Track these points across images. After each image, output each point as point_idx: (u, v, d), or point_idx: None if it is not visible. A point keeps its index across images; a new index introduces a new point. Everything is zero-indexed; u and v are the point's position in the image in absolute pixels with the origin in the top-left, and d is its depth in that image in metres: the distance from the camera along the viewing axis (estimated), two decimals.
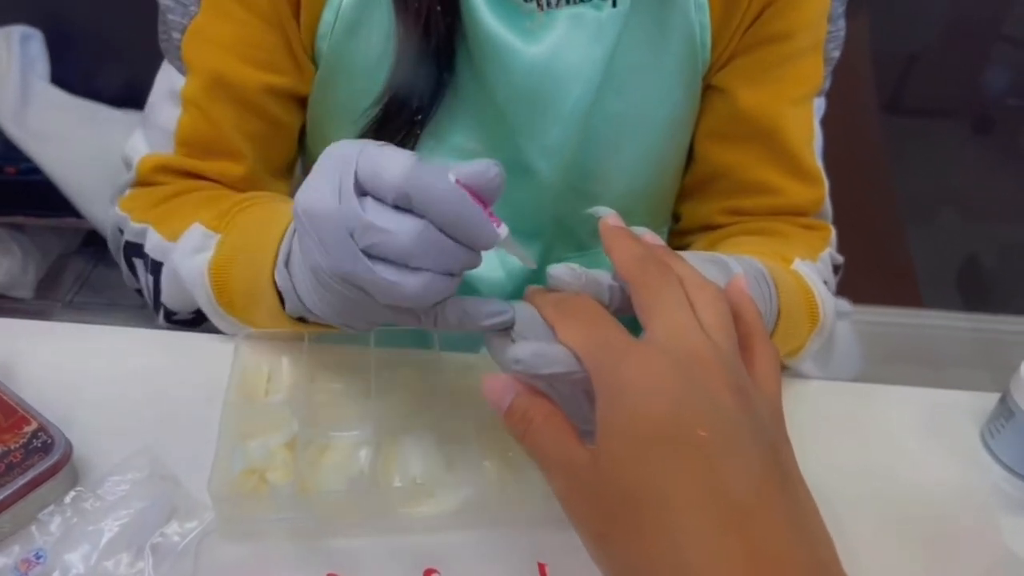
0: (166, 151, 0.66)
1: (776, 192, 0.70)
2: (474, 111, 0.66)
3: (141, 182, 0.68)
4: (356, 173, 0.39)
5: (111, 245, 0.71)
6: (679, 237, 0.79)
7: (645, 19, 0.64)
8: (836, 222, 0.74)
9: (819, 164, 0.71)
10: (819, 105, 0.71)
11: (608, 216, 0.45)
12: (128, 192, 0.68)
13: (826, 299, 0.63)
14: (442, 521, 0.51)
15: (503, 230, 0.40)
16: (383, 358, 0.58)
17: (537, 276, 0.46)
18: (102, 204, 0.77)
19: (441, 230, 0.39)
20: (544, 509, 0.51)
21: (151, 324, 0.67)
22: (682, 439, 0.34)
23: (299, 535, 0.50)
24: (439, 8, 0.59)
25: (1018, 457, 0.60)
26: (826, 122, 0.72)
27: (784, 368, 0.64)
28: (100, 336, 0.64)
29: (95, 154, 1.38)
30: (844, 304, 0.69)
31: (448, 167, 0.39)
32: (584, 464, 0.36)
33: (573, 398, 0.40)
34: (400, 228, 0.39)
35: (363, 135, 0.63)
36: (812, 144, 0.70)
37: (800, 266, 0.64)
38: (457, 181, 0.39)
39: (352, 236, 0.39)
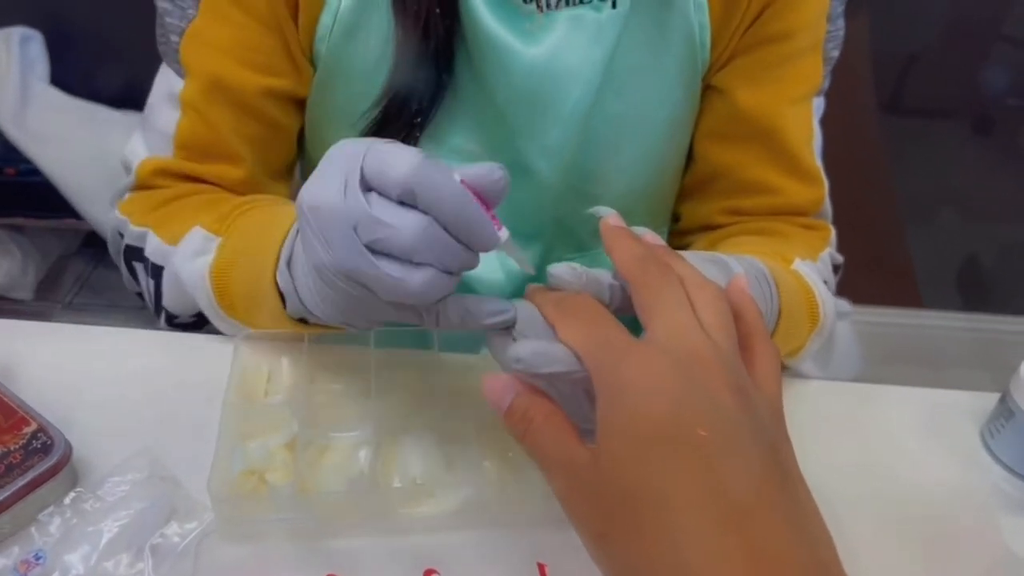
0: (165, 154, 0.66)
1: (776, 192, 0.70)
2: (474, 113, 0.66)
3: (140, 186, 0.68)
4: (362, 169, 0.40)
5: (111, 249, 0.71)
6: (679, 237, 0.79)
7: (645, 20, 0.64)
8: (836, 222, 0.74)
9: (819, 164, 0.71)
10: (818, 105, 0.71)
11: (609, 216, 0.45)
12: (127, 196, 0.68)
13: (826, 299, 0.63)
14: (442, 521, 0.51)
15: (504, 233, 0.41)
16: (383, 359, 0.58)
17: (537, 279, 0.46)
18: (102, 205, 0.77)
19: (444, 228, 0.39)
20: (544, 509, 0.51)
21: (151, 325, 0.67)
22: (682, 439, 0.34)
23: (299, 536, 0.50)
24: (438, 10, 0.59)
25: (1018, 457, 0.60)
26: (826, 122, 0.72)
27: (784, 368, 0.64)
28: (100, 337, 0.64)
29: (95, 155, 1.38)
30: (844, 304, 0.69)
31: (454, 167, 0.40)
32: (584, 464, 0.36)
33: (574, 397, 0.40)
34: (404, 223, 0.39)
35: (362, 137, 0.63)
36: (811, 144, 0.70)
37: (800, 266, 0.64)
38: (462, 181, 0.39)
39: (356, 231, 0.39)
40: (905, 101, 1.70)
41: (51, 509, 0.49)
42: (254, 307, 0.57)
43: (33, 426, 0.51)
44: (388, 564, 0.50)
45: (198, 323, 0.65)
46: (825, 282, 0.66)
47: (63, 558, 0.47)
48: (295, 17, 0.63)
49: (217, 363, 0.58)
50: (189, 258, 0.60)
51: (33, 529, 0.48)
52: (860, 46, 1.46)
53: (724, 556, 0.32)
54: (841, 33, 0.69)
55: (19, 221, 1.64)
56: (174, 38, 0.63)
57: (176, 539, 0.49)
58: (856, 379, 0.68)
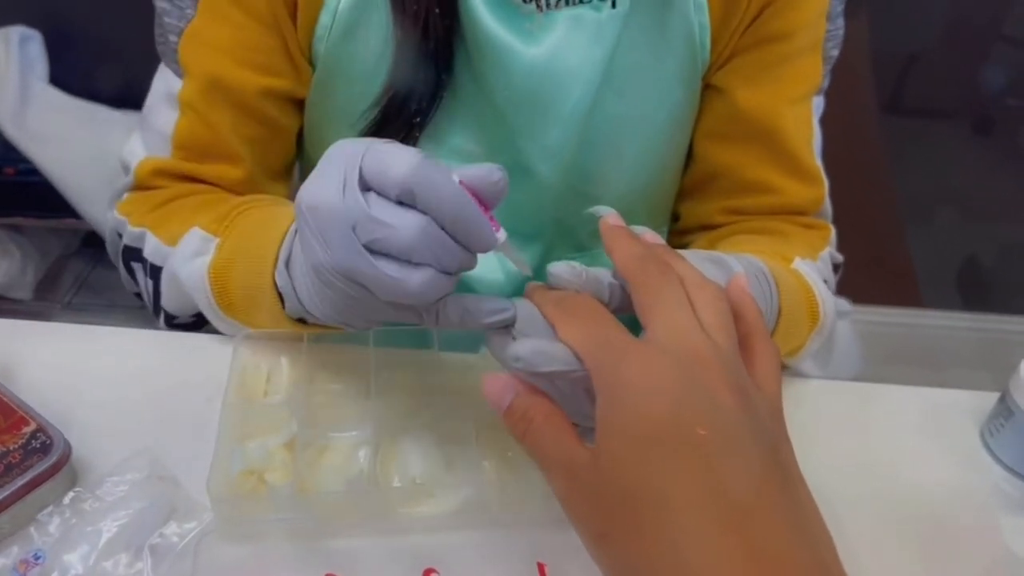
0: (164, 154, 0.66)
1: (775, 191, 0.70)
2: (473, 113, 0.65)
3: (139, 186, 0.67)
4: (361, 169, 0.40)
5: (110, 249, 0.71)
6: (679, 237, 0.79)
7: (644, 20, 0.64)
8: (836, 221, 0.74)
9: (818, 163, 0.71)
10: (818, 104, 0.71)
11: (608, 215, 0.45)
12: (126, 196, 0.68)
13: (826, 298, 0.63)
14: (441, 521, 0.51)
15: (502, 234, 0.41)
16: (382, 358, 0.58)
17: (536, 279, 0.46)
18: (101, 205, 0.77)
19: (442, 228, 0.39)
20: (544, 509, 0.51)
21: (150, 325, 0.67)
22: (682, 439, 0.34)
23: (298, 536, 0.50)
24: (437, 10, 0.59)
25: (1018, 457, 0.60)
26: (826, 122, 0.72)
27: (784, 368, 0.64)
28: (99, 337, 0.64)
29: (94, 155, 1.38)
30: (844, 303, 0.69)
31: (452, 168, 0.40)
32: (584, 464, 0.36)
33: (574, 396, 0.40)
34: (403, 223, 0.39)
35: (362, 137, 0.63)
36: (811, 143, 0.70)
37: (800, 265, 0.64)
38: (461, 182, 0.39)
39: (355, 231, 0.39)
40: (905, 101, 1.70)
41: (50, 509, 0.49)
42: (253, 307, 0.57)
43: (32, 426, 0.51)
44: (388, 564, 0.49)
45: (197, 323, 0.65)
46: (825, 281, 0.66)
47: (62, 558, 0.47)
48: (294, 17, 0.62)
49: (216, 363, 0.58)
50: (188, 258, 0.60)
51: (32, 529, 0.48)
52: (860, 46, 1.46)
53: (724, 556, 0.32)
54: (841, 32, 0.69)
55: (18, 221, 1.64)
56: (172, 38, 0.63)
57: (175, 539, 0.49)
58: (856, 379, 0.68)
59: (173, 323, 0.66)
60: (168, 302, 0.64)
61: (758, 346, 0.40)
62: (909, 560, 0.53)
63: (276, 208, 0.62)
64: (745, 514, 0.33)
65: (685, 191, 0.77)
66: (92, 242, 1.80)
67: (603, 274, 0.44)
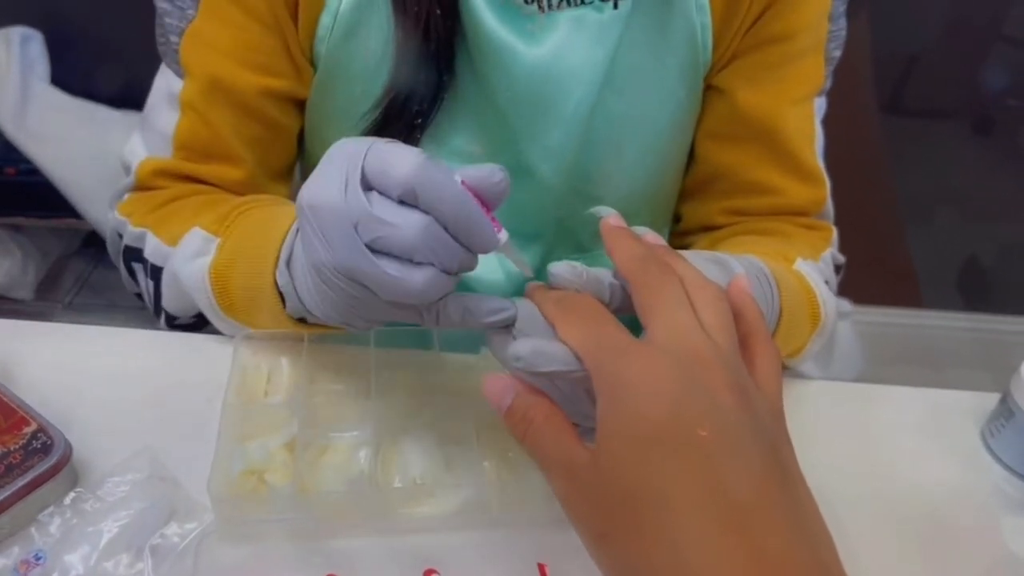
0: (164, 155, 0.66)
1: (777, 192, 0.70)
2: (475, 114, 0.65)
3: (140, 186, 0.67)
4: (363, 168, 0.40)
5: (110, 249, 0.71)
6: (680, 238, 0.79)
7: (646, 21, 0.64)
8: (837, 222, 0.74)
9: (820, 164, 0.71)
10: (820, 105, 0.71)
11: (609, 216, 0.45)
12: (127, 196, 0.68)
13: (828, 299, 0.63)
14: (442, 522, 0.51)
15: (503, 235, 0.41)
16: (383, 359, 0.58)
17: (537, 280, 0.46)
18: (101, 205, 0.77)
19: (444, 228, 0.39)
20: (544, 510, 0.51)
21: (151, 325, 0.67)
22: (682, 439, 0.34)
23: (299, 536, 0.50)
24: (439, 11, 0.59)
25: (1018, 457, 0.60)
26: (826, 122, 0.72)
27: (785, 369, 0.64)
28: (100, 337, 0.64)
29: (94, 155, 1.38)
30: (845, 304, 0.69)
31: (454, 169, 0.40)
32: (584, 464, 0.36)
33: (574, 396, 0.40)
34: (406, 222, 0.39)
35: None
36: (813, 144, 0.70)
37: (802, 266, 0.64)
38: (463, 182, 0.39)
39: (356, 230, 0.39)
40: (906, 101, 1.70)
41: (51, 509, 0.49)
42: (254, 307, 0.57)
43: (33, 426, 0.51)
44: (388, 564, 0.49)
45: (198, 324, 0.65)
46: (827, 282, 0.66)
47: (63, 558, 0.47)
48: (295, 17, 0.62)
49: (217, 363, 0.58)
50: (188, 259, 0.60)
51: (33, 529, 0.48)
52: (861, 46, 1.46)
53: (725, 556, 0.32)
54: (843, 33, 0.69)
55: (19, 221, 1.64)
56: (173, 38, 0.63)
57: (176, 539, 0.49)
58: (857, 379, 0.68)
59: (174, 324, 0.66)
60: (169, 302, 0.64)
61: (759, 347, 0.40)
62: (909, 560, 0.53)
63: (277, 208, 0.62)
64: (745, 514, 0.33)
65: (687, 192, 0.77)
66: (93, 242, 1.80)
67: (604, 274, 0.44)
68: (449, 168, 0.40)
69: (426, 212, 0.39)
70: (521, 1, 0.60)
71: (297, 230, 0.50)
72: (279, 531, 0.50)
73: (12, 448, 0.49)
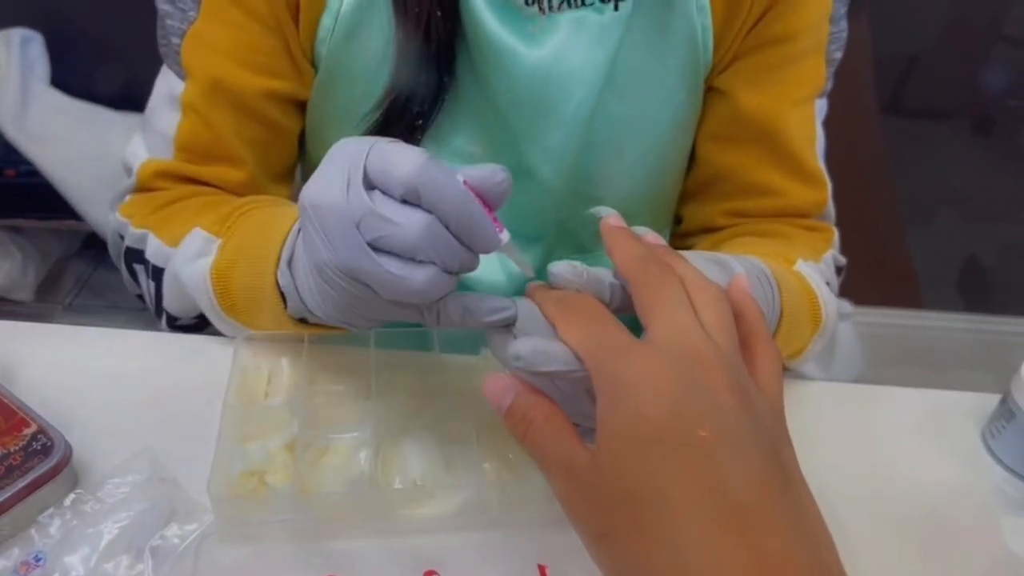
0: (166, 156, 0.66)
1: (778, 194, 0.70)
2: (475, 115, 0.66)
3: (141, 188, 0.68)
4: (365, 167, 0.40)
5: (112, 251, 0.71)
6: (681, 239, 0.79)
7: (647, 22, 0.64)
8: (837, 222, 0.74)
9: (821, 166, 0.71)
10: (821, 106, 0.71)
11: (610, 216, 0.45)
12: (128, 198, 0.68)
13: (829, 301, 0.63)
14: (442, 523, 0.51)
15: (505, 235, 0.41)
16: (383, 359, 0.58)
17: (538, 281, 0.46)
18: (102, 206, 0.77)
19: (446, 227, 0.39)
20: (544, 510, 0.51)
21: (151, 327, 0.67)
22: (683, 439, 0.34)
23: (299, 537, 0.50)
24: (439, 12, 0.59)
25: (1019, 458, 0.60)
26: (827, 123, 0.72)
27: (786, 369, 0.64)
28: (100, 338, 0.64)
29: (95, 156, 1.38)
30: (845, 305, 0.69)
31: (456, 169, 0.40)
32: (584, 464, 0.36)
33: (574, 396, 0.40)
34: (408, 221, 0.39)
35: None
36: (814, 146, 0.70)
37: (803, 267, 0.64)
38: (465, 182, 0.39)
39: (358, 229, 0.39)
40: (906, 102, 1.70)
41: (51, 511, 0.49)
42: (255, 307, 0.57)
43: (33, 427, 0.51)
44: (388, 565, 0.49)
45: (199, 325, 0.65)
46: (828, 284, 0.66)
47: (63, 560, 0.46)
48: (296, 19, 0.62)
49: (217, 365, 0.58)
50: (190, 260, 0.60)
51: (33, 531, 0.48)
52: (862, 48, 1.46)
53: (725, 557, 0.32)
54: (844, 34, 0.69)
55: (19, 222, 1.64)
56: (175, 40, 0.63)
57: (176, 540, 0.49)
58: (857, 380, 0.68)
59: (175, 325, 0.66)
60: (170, 303, 0.64)
61: (759, 347, 0.40)
62: (909, 560, 0.53)
63: (278, 208, 0.62)
64: (746, 515, 0.33)
65: (687, 193, 0.77)
66: (93, 243, 1.80)
67: (604, 274, 0.44)
68: (451, 168, 0.40)
69: (428, 211, 0.39)
70: (522, 3, 0.60)
71: (298, 230, 0.50)
72: (279, 532, 0.50)
73: (12, 449, 0.49)
